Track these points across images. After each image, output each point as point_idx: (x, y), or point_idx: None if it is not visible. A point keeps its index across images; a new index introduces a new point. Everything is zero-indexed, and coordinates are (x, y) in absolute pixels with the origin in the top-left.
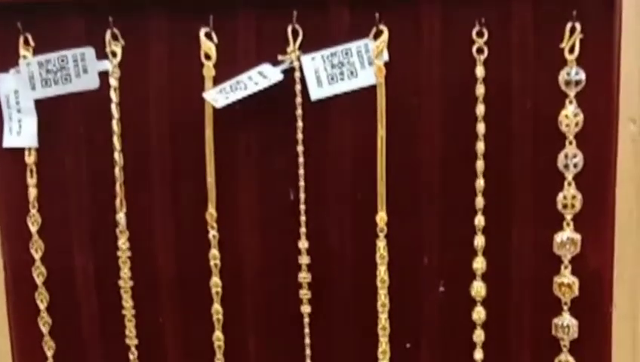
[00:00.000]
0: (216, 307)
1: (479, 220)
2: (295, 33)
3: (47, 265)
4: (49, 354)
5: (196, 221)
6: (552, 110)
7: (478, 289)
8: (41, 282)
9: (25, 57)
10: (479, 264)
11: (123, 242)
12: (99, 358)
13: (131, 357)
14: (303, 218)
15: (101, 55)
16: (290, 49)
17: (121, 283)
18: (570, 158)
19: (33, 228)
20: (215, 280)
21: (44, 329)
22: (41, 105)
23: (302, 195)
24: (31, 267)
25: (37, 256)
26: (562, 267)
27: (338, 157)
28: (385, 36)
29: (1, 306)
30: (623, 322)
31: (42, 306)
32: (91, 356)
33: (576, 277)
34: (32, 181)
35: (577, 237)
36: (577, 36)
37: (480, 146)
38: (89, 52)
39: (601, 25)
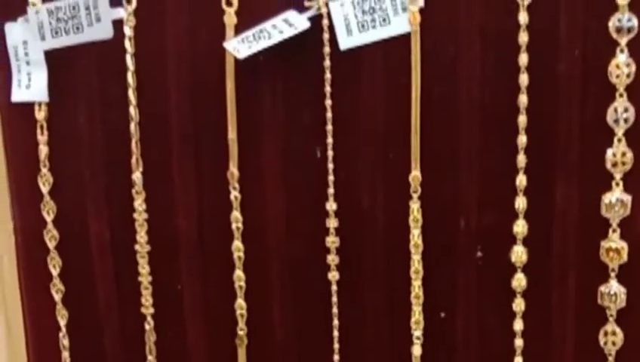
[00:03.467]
0: (239, 273)
1: (520, 180)
2: None
3: (60, 228)
4: (62, 322)
5: (217, 181)
6: (602, 60)
7: (519, 254)
8: (53, 246)
9: (33, 5)
10: (520, 227)
11: (139, 203)
12: (113, 328)
13: (147, 327)
14: (331, 177)
15: (115, 2)
16: None
17: (137, 247)
18: (621, 113)
19: (44, 189)
20: (237, 245)
21: (57, 297)
22: (51, 56)
23: (330, 153)
24: (42, 230)
25: (49, 218)
26: (610, 231)
27: (369, 112)
28: None
29: (12, 272)
30: None
31: (55, 272)
32: (106, 325)
33: (625, 241)
34: (42, 138)
35: (627, 198)
36: None
37: (522, 99)
38: None
39: None
